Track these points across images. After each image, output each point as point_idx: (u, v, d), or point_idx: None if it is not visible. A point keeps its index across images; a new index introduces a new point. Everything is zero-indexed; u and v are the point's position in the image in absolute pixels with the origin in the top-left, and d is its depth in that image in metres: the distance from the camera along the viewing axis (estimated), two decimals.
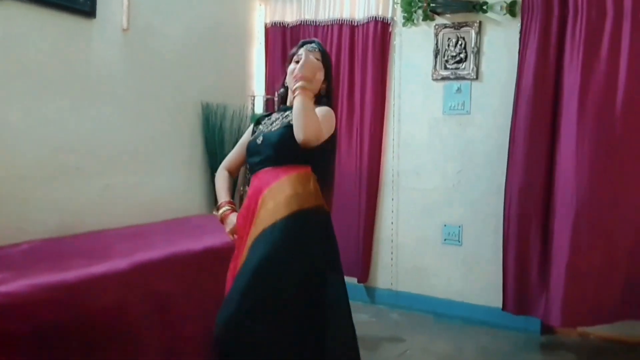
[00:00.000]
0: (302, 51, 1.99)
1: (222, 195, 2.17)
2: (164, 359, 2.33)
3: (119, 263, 2.25)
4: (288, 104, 2.08)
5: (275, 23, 4.21)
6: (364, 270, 3.90)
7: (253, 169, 2.04)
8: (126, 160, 3.23)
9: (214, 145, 3.78)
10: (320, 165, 1.96)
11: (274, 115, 2.11)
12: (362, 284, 3.93)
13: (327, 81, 2.06)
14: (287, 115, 2.02)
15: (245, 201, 2.02)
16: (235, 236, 2.04)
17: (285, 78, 2.10)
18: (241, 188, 4.06)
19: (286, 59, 2.17)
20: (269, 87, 4.16)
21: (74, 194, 2.92)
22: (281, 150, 1.94)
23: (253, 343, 1.76)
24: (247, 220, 1.95)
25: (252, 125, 2.20)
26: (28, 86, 2.72)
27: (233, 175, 2.25)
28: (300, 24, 4.12)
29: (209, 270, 2.54)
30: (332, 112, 2.00)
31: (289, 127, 1.92)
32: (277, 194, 1.88)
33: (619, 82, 2.97)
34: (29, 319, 1.87)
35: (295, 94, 1.86)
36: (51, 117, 2.82)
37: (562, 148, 3.14)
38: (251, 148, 2.06)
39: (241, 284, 1.82)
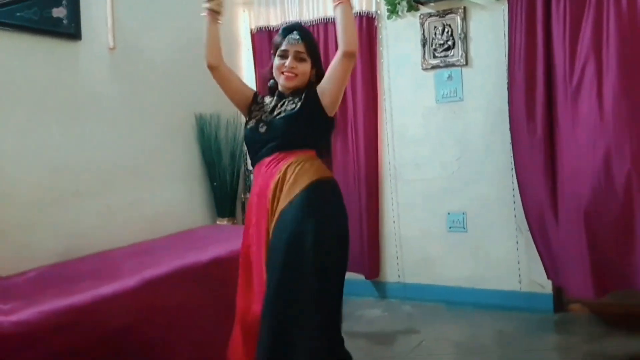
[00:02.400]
0: (286, 44, 2.03)
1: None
2: None
3: (128, 281, 2.25)
4: (283, 90, 2.10)
5: (260, 28, 4.20)
6: (372, 267, 3.88)
7: (258, 157, 2.04)
8: (125, 179, 3.22)
9: (211, 156, 3.78)
10: (322, 150, 2.06)
11: (268, 100, 2.13)
12: (370, 280, 3.92)
13: (315, 67, 2.08)
14: (285, 103, 2.04)
15: (255, 189, 2.04)
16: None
17: (271, 70, 2.12)
18: (242, 195, 4.06)
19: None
20: (261, 93, 4.14)
21: (75, 216, 2.92)
22: (290, 137, 1.99)
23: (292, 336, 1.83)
24: (260, 205, 1.98)
25: (252, 92, 2.25)
26: (20, 113, 2.71)
27: (218, 62, 2.20)
28: None
29: (217, 279, 2.54)
30: None
31: (295, 115, 1.99)
32: (295, 168, 1.94)
33: (610, 52, 2.97)
34: (42, 346, 1.87)
35: (336, 3, 1.96)
36: (46, 142, 2.82)
37: (560, 124, 3.15)
38: (254, 136, 2.06)
39: (274, 281, 1.87)
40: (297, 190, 1.90)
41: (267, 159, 1.99)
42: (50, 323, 1.90)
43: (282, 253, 1.86)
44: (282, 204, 1.91)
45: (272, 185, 1.94)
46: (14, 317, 1.86)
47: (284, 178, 1.93)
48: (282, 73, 2.03)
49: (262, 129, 2.02)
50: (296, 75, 2.02)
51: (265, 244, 1.94)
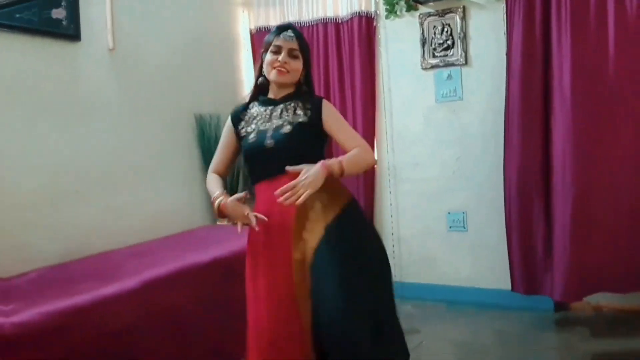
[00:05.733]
0: (280, 40, 1.95)
1: (214, 189, 2.03)
2: None
3: (128, 282, 2.25)
4: (273, 96, 2.00)
5: (260, 28, 4.21)
6: None
7: (270, 173, 1.89)
8: (125, 179, 3.22)
9: (211, 156, 3.68)
10: (323, 157, 1.94)
11: (262, 110, 1.99)
12: None
13: (305, 68, 2.01)
14: (282, 111, 1.95)
15: (274, 207, 1.84)
16: (250, 216, 1.83)
17: (261, 66, 2.04)
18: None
19: None
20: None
21: (76, 217, 2.92)
22: (300, 151, 1.88)
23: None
24: (283, 228, 1.85)
25: (230, 123, 2.05)
26: (20, 114, 2.71)
27: (223, 176, 2.13)
28: None
29: (218, 280, 2.54)
30: (330, 103, 2.02)
31: (299, 126, 1.90)
32: (314, 201, 1.83)
33: (609, 54, 2.98)
34: (43, 348, 1.87)
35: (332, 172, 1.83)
36: (46, 143, 2.82)
37: (557, 124, 3.14)
38: (261, 151, 1.91)
39: (339, 303, 1.76)
40: (333, 213, 1.86)
41: (284, 178, 1.81)
42: (51, 324, 1.90)
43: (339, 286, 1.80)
44: (319, 228, 1.83)
45: (299, 210, 1.83)
46: (15, 319, 1.86)
47: (307, 207, 1.84)
48: (274, 68, 1.95)
49: (269, 144, 1.89)
50: (288, 71, 1.95)
51: (292, 265, 1.84)
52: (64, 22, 2.89)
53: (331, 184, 1.85)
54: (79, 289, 2.15)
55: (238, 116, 2.04)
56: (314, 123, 1.94)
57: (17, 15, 2.68)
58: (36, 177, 2.76)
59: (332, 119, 1.96)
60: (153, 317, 2.24)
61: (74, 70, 3.00)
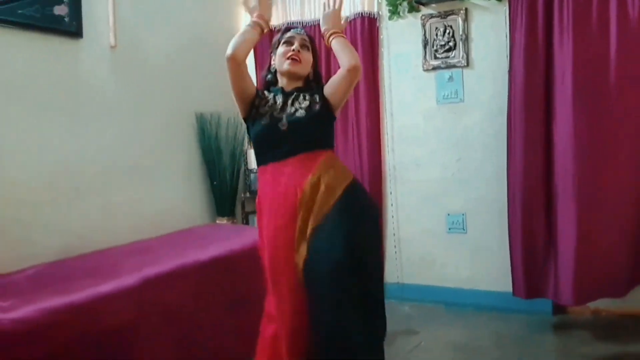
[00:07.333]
0: (292, 33, 2.08)
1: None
2: None
3: (127, 279, 2.25)
4: (282, 86, 2.08)
5: None
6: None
7: (279, 155, 1.97)
8: (125, 177, 3.22)
9: (212, 155, 3.78)
10: (332, 142, 2.11)
11: (271, 96, 2.06)
12: None
13: (314, 65, 2.12)
14: (294, 100, 2.02)
15: (278, 188, 1.95)
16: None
17: (270, 63, 2.13)
18: (242, 194, 4.06)
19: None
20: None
21: (75, 214, 2.92)
22: (314, 136, 1.99)
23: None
24: (287, 206, 1.92)
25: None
26: (21, 111, 2.71)
27: (244, 59, 2.02)
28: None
29: (217, 278, 2.54)
30: None
31: (318, 114, 1.99)
32: (325, 176, 1.92)
33: (611, 56, 2.98)
34: (41, 344, 1.88)
35: (331, 38, 2.03)
36: (46, 140, 2.82)
37: (558, 128, 3.15)
38: (273, 133, 1.98)
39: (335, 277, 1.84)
40: (337, 194, 1.91)
41: (293, 160, 1.94)
42: (49, 320, 1.90)
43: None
44: (323, 207, 1.89)
45: (305, 186, 1.90)
46: (13, 315, 1.86)
47: (318, 183, 1.91)
48: (287, 58, 2.02)
49: (283, 127, 1.97)
50: (301, 61, 2.04)
51: (296, 248, 1.90)
52: (66, 19, 2.89)
53: (336, 166, 1.97)
54: (77, 286, 2.15)
55: (259, 93, 2.11)
56: (324, 105, 2.01)
57: (19, 12, 2.68)
58: (36, 174, 2.76)
59: (330, 80, 2.05)
60: (152, 314, 2.24)
61: (76, 67, 3.00)
